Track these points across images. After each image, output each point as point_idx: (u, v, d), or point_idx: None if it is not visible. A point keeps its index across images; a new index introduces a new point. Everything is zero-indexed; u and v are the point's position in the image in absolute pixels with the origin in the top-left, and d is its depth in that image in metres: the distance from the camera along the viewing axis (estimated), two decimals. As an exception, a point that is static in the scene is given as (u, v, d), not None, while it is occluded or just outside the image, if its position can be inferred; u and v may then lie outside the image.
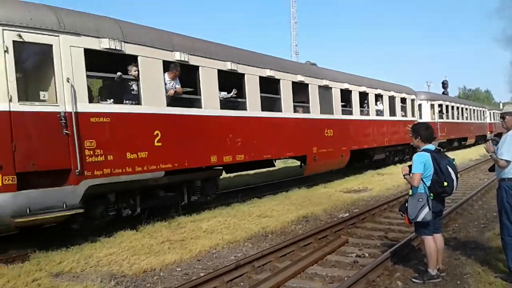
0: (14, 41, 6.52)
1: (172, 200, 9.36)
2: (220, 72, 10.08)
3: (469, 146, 32.45)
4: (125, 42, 8.04)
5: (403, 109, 20.48)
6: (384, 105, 18.60)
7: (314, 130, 13.52)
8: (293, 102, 12.69)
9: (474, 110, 35.37)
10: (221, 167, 10.85)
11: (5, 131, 6.34)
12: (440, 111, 26.46)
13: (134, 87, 8.57)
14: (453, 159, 5.19)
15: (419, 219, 4.99)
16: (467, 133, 32.10)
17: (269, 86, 11.83)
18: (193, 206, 9.77)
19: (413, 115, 21.52)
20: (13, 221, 6.37)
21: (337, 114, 15.00)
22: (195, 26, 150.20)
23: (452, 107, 28.95)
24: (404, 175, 5.20)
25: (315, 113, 13.69)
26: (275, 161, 13.41)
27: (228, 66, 10.31)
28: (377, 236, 7.60)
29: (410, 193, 5.16)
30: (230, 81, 10.73)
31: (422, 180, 5.04)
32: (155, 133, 8.42)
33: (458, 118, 30.08)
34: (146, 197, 8.77)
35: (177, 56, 9.11)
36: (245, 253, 6.77)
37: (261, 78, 11.36)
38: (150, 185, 8.65)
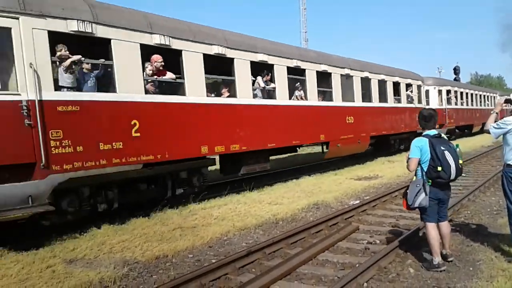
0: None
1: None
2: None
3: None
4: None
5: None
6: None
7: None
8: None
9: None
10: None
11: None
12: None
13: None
14: (457, 145, 5.14)
15: (416, 204, 5.00)
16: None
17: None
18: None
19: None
20: None
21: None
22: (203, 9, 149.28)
23: None
24: (407, 161, 5.21)
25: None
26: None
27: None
28: (388, 223, 7.58)
29: (414, 179, 5.17)
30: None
31: (420, 165, 5.04)
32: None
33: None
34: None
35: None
36: (256, 240, 6.79)
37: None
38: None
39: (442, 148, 4.94)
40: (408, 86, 19.97)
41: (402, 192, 9.90)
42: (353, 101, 15.31)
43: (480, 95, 34.56)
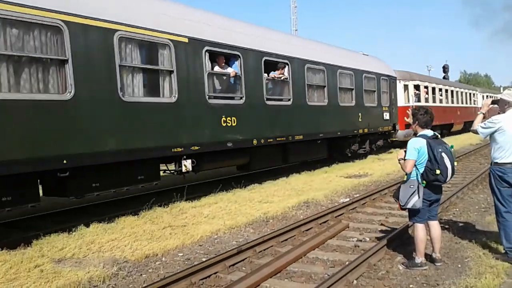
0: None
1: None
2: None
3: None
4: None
5: None
6: None
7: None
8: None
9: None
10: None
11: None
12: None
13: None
14: (452, 146, 5.09)
15: (409, 206, 4.94)
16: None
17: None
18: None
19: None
20: None
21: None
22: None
23: None
24: (399, 160, 5.14)
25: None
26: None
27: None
28: (377, 221, 7.62)
29: (405, 178, 5.12)
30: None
31: (416, 167, 4.98)
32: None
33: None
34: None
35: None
36: (247, 238, 6.79)
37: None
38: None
39: (440, 150, 4.86)
40: (473, 94, 36.21)
41: (392, 190, 10.05)
42: (458, 104, 30.69)
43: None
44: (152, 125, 8.14)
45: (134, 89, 7.96)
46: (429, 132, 5.09)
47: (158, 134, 8.26)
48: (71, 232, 6.95)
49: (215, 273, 5.20)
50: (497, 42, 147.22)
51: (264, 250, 6.07)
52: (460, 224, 7.07)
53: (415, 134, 5.29)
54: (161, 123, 8.33)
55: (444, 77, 39.90)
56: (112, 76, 7.45)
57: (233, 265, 5.49)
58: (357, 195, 9.86)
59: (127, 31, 7.69)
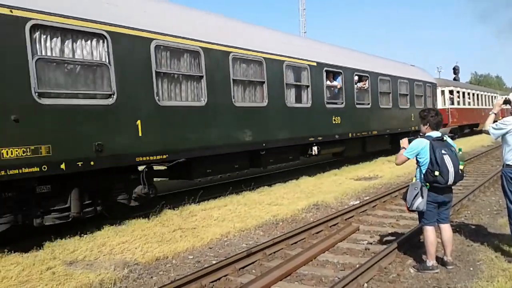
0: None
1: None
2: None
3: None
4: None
5: None
6: None
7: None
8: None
9: None
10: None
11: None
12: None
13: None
14: (460, 149, 5.06)
15: (414, 207, 4.94)
16: None
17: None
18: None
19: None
20: None
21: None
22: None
23: None
24: (401, 148, 5.16)
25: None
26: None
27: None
28: (388, 224, 7.58)
29: (413, 180, 5.12)
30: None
31: (419, 168, 4.99)
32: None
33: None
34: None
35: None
36: (256, 241, 6.79)
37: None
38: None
39: (443, 152, 4.81)
40: (494, 97, 38.36)
41: (402, 192, 9.98)
42: (482, 106, 34.02)
43: None
44: (300, 121, 12.06)
45: (291, 99, 11.88)
46: (435, 134, 5.06)
47: (302, 128, 12.18)
48: (82, 235, 7.02)
49: (225, 275, 5.21)
50: (504, 40, 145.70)
51: (274, 252, 6.06)
52: (472, 227, 7.00)
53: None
54: (304, 121, 12.23)
55: (454, 79, 39.57)
56: (282, 91, 11.43)
57: (243, 267, 5.50)
58: (367, 197, 9.81)
59: (289, 61, 11.72)
